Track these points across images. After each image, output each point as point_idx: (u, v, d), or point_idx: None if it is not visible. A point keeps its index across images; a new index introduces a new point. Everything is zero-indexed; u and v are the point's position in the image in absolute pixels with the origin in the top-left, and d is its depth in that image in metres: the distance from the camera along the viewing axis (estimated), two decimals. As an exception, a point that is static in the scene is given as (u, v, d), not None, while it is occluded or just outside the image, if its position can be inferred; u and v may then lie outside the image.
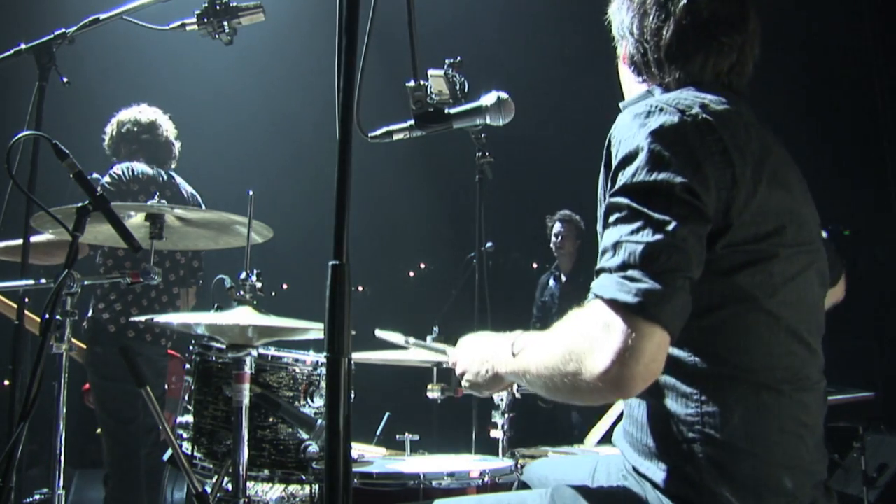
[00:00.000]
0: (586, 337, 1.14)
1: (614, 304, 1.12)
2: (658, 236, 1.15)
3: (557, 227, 5.43)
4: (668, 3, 1.42)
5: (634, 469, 1.35)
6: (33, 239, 3.05)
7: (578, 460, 1.91)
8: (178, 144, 3.66)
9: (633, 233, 1.17)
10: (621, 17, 1.50)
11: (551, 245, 5.48)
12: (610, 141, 1.31)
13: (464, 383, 1.52)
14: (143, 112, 3.60)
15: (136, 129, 3.54)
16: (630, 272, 1.13)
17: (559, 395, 1.24)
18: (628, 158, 1.23)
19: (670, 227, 1.15)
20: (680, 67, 1.43)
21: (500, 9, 5.45)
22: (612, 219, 1.21)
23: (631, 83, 1.54)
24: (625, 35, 1.49)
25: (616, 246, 1.17)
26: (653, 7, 1.43)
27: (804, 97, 5.50)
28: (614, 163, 1.26)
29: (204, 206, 3.64)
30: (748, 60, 1.47)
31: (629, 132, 1.26)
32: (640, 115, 1.27)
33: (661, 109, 1.27)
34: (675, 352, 1.28)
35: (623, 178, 1.23)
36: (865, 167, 5.59)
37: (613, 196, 1.23)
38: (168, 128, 3.63)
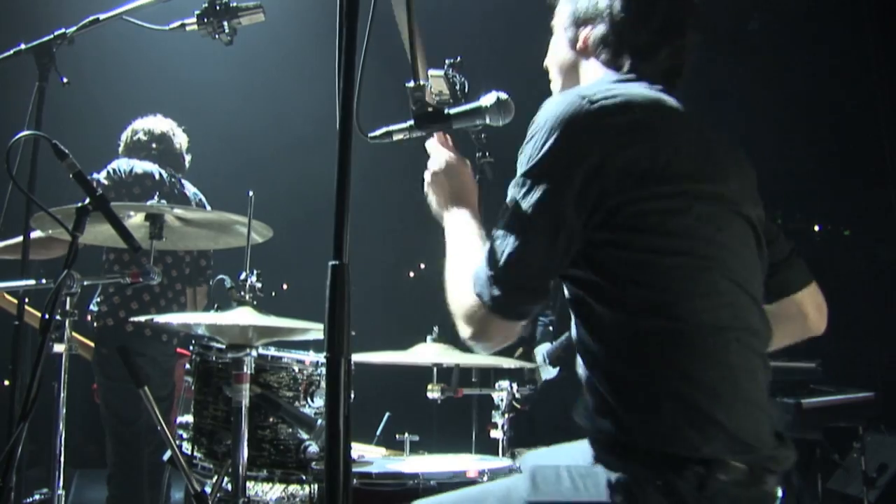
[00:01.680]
0: (463, 306, 1.41)
1: (479, 297, 1.37)
2: (521, 241, 1.34)
3: None
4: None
5: (601, 439, 1.38)
6: (31, 235, 3.07)
7: (574, 447, 1.90)
8: (189, 157, 3.69)
9: (504, 232, 1.36)
10: (606, 2, 1.52)
11: None
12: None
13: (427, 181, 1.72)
14: (159, 123, 3.64)
15: (147, 138, 3.59)
16: (495, 273, 1.35)
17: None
18: (524, 145, 1.40)
19: (535, 228, 1.34)
20: (649, 58, 1.51)
21: (501, 8, 5.45)
22: (504, 207, 1.40)
23: (584, 69, 1.58)
24: (596, 17, 1.53)
25: (492, 241, 1.38)
26: None
27: (804, 97, 5.50)
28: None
29: (209, 208, 3.65)
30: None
31: (538, 117, 1.40)
32: (545, 106, 1.41)
33: (572, 96, 1.38)
34: (624, 318, 1.34)
35: (519, 165, 1.39)
36: (865, 167, 5.59)
37: (511, 185, 1.39)
38: (181, 140, 3.68)
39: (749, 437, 1.30)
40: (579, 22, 1.57)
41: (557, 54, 1.64)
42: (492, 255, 1.37)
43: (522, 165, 1.39)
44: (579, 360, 1.45)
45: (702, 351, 1.32)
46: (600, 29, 1.52)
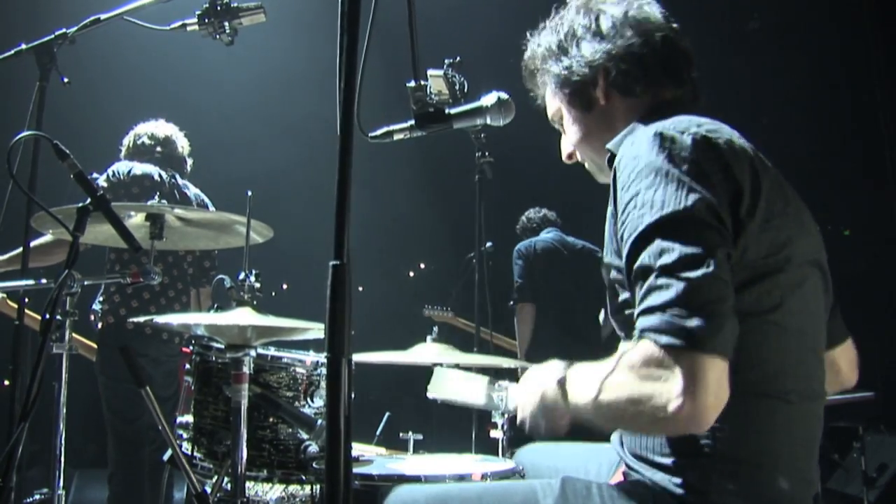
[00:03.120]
0: (650, 379, 1.15)
1: (670, 347, 1.13)
2: (697, 271, 1.15)
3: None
4: (652, 30, 1.48)
5: (639, 475, 1.36)
6: (32, 243, 3.09)
7: (569, 448, 1.90)
8: (190, 161, 3.71)
9: (668, 270, 1.16)
10: (588, 49, 1.49)
11: None
12: (616, 177, 1.31)
13: (527, 426, 1.48)
14: (160, 127, 3.67)
15: (151, 142, 3.61)
16: (678, 311, 1.13)
17: (629, 430, 1.35)
18: (640, 195, 1.23)
19: (705, 257, 1.16)
20: (675, 80, 1.49)
21: (500, 8, 5.45)
22: (642, 259, 1.20)
23: (613, 116, 1.52)
24: (605, 62, 1.48)
25: (657, 283, 1.17)
26: (641, 31, 1.47)
27: (804, 97, 5.50)
28: (622, 203, 1.26)
29: (212, 208, 3.66)
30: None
31: (633, 168, 1.26)
32: (641, 149, 1.27)
33: (661, 136, 1.27)
34: None
35: (639, 217, 1.22)
36: (865, 167, 5.59)
37: (638, 235, 1.22)
38: (183, 144, 3.70)
39: None
40: (584, 86, 1.52)
41: (579, 129, 1.57)
42: (663, 299, 1.15)
43: (652, 208, 1.21)
44: None
45: (767, 421, 1.27)
46: (616, 72, 1.47)
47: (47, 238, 3.20)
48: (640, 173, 1.25)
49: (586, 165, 1.67)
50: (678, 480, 1.28)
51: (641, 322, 1.18)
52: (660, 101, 1.49)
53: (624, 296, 1.36)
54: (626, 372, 1.18)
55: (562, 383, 1.35)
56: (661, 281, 1.16)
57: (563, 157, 1.68)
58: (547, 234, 5.08)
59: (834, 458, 4.30)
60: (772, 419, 1.28)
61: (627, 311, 1.34)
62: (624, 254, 1.25)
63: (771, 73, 5.61)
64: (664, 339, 1.13)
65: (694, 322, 1.12)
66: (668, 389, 1.11)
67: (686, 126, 1.30)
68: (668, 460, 1.31)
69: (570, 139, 1.63)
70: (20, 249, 3.12)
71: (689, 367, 1.11)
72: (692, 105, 1.50)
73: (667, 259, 1.17)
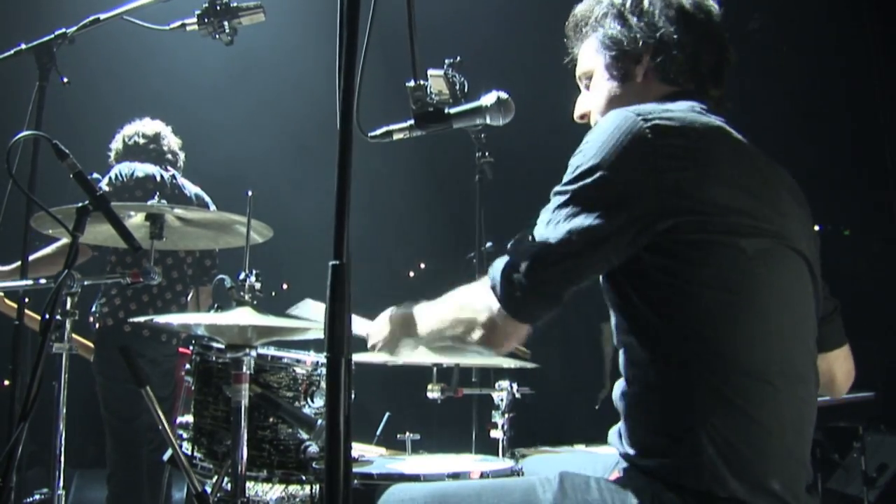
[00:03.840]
0: (473, 310, 1.41)
1: (498, 298, 1.35)
2: (554, 247, 1.31)
3: None
4: (711, 31, 1.53)
5: (635, 465, 1.37)
6: (37, 255, 3.15)
7: (575, 457, 1.93)
8: (182, 155, 3.70)
9: (537, 233, 1.33)
10: (648, 26, 1.51)
11: None
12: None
13: (370, 346, 1.72)
14: (147, 125, 3.67)
15: (142, 140, 3.61)
16: (518, 271, 1.32)
17: (448, 352, 1.60)
18: (574, 157, 1.36)
19: (569, 239, 1.30)
20: (712, 82, 1.54)
21: (500, 8, 5.45)
22: (543, 211, 1.36)
23: (629, 98, 1.53)
24: (661, 43, 1.50)
25: (519, 240, 1.36)
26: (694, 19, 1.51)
27: (804, 97, 5.50)
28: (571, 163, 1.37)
29: (213, 206, 3.66)
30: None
31: (594, 132, 1.36)
32: (606, 120, 1.36)
33: (626, 113, 1.34)
34: (672, 352, 1.32)
35: (569, 172, 1.35)
36: (865, 167, 5.58)
37: (553, 192, 1.37)
38: (172, 139, 3.69)
39: (787, 493, 1.31)
40: (629, 57, 1.53)
41: (606, 96, 1.58)
42: (517, 256, 1.34)
43: (568, 175, 1.35)
44: (622, 384, 1.44)
45: (752, 400, 1.30)
46: (663, 57, 1.50)
47: (50, 249, 3.22)
48: (587, 141, 1.36)
49: None
50: (672, 465, 1.30)
51: (496, 264, 1.37)
52: (685, 95, 1.49)
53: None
54: (462, 298, 1.48)
55: (412, 312, 1.60)
56: (527, 241, 1.34)
57: (576, 115, 1.68)
58: None
59: (834, 458, 4.30)
60: (759, 401, 1.30)
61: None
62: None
63: (771, 73, 5.61)
64: (497, 292, 1.35)
65: (519, 293, 1.33)
66: (479, 328, 1.40)
67: (651, 109, 1.36)
68: (660, 445, 1.33)
69: (593, 101, 1.62)
70: (39, 253, 3.18)
71: (501, 320, 1.37)
72: (714, 104, 1.51)
73: (542, 225, 1.34)
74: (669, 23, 1.49)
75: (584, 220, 1.30)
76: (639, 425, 1.38)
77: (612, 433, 1.50)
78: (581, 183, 1.32)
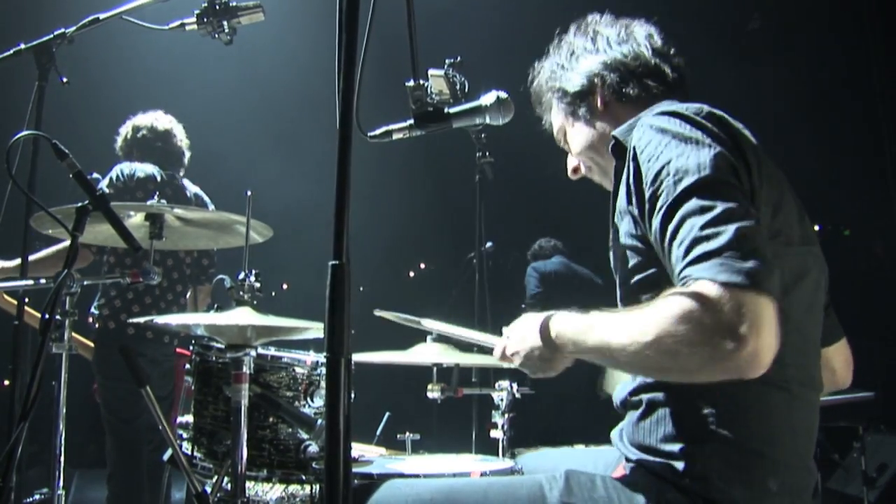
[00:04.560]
0: (708, 321, 1.11)
1: (730, 285, 1.11)
2: (743, 221, 1.16)
3: None
4: (642, 45, 1.61)
5: (642, 465, 1.37)
6: (38, 255, 3.14)
7: (574, 453, 1.93)
8: (188, 154, 3.70)
9: (714, 222, 1.17)
10: (584, 64, 1.62)
11: None
12: (636, 156, 1.34)
13: (515, 362, 1.50)
14: (160, 120, 3.65)
15: (151, 136, 3.60)
16: (731, 254, 1.13)
17: (672, 373, 1.25)
18: (671, 163, 1.26)
19: (746, 211, 1.19)
20: (666, 78, 1.59)
21: (500, 8, 5.45)
22: (680, 217, 1.21)
23: (603, 128, 1.61)
24: (598, 75, 1.60)
25: (702, 236, 1.17)
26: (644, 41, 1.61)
27: (804, 98, 5.50)
28: (652, 173, 1.28)
29: (213, 206, 3.65)
30: None
31: (660, 140, 1.31)
32: (662, 124, 1.33)
33: (677, 114, 1.33)
34: None
35: (675, 183, 1.24)
36: (865, 167, 5.59)
37: (674, 200, 1.23)
38: (182, 137, 3.69)
39: (795, 499, 1.31)
40: (584, 94, 1.62)
41: (582, 140, 1.66)
42: (712, 247, 1.15)
43: (687, 174, 1.24)
44: (628, 386, 1.44)
45: (767, 407, 1.30)
46: (612, 79, 1.59)
47: (50, 251, 3.21)
48: (668, 144, 1.29)
49: (593, 175, 1.72)
50: (682, 468, 1.30)
51: (691, 269, 1.16)
52: (654, 102, 1.55)
53: (634, 261, 1.38)
54: (680, 312, 1.13)
55: (581, 324, 1.34)
56: (709, 231, 1.16)
57: (569, 172, 1.76)
58: (556, 260, 5.85)
59: (834, 458, 4.30)
60: (773, 407, 1.30)
61: (639, 276, 1.37)
62: (658, 219, 1.25)
63: (771, 73, 5.61)
64: (723, 277, 1.11)
65: (750, 263, 1.11)
66: (732, 327, 1.09)
67: (699, 107, 1.37)
68: (670, 447, 1.32)
69: (574, 150, 1.70)
70: (39, 254, 3.18)
71: (752, 305, 1.09)
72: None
73: (710, 214, 1.18)
74: (600, 54, 1.61)
75: (727, 197, 1.21)
76: (645, 429, 1.37)
77: (615, 434, 1.49)
78: (694, 179, 1.25)
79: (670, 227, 1.22)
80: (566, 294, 5.11)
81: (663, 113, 1.35)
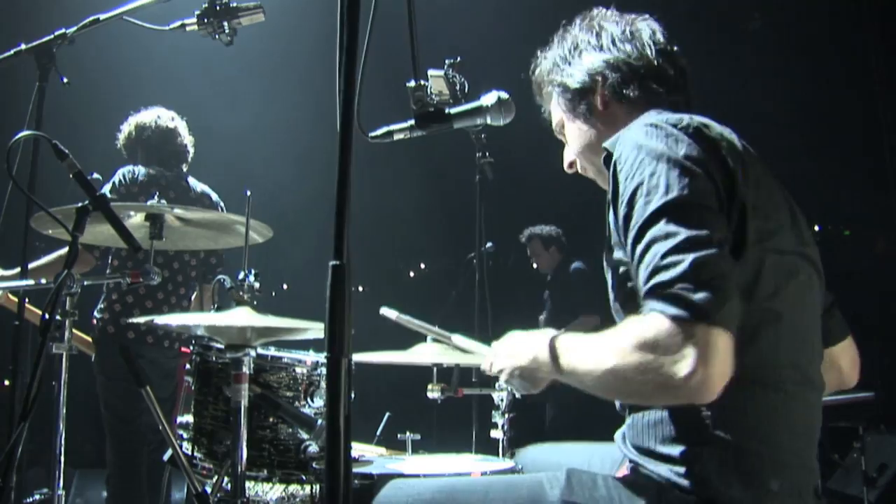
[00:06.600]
0: (661, 350, 1.17)
1: (679, 319, 1.16)
2: (702, 250, 1.19)
3: (528, 250, 5.72)
4: (646, 44, 1.58)
5: (643, 467, 1.37)
6: (39, 263, 3.15)
7: (572, 447, 1.93)
8: (192, 150, 3.70)
9: (675, 250, 1.20)
10: (587, 60, 1.59)
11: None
12: (616, 170, 1.34)
13: (501, 379, 1.55)
14: (163, 117, 3.62)
15: (156, 135, 3.58)
16: (686, 285, 1.17)
17: (630, 399, 1.34)
18: (644, 184, 1.27)
19: (710, 238, 1.20)
20: (667, 81, 1.56)
21: (500, 8, 5.45)
22: (647, 241, 1.24)
23: (601, 128, 1.59)
24: (600, 73, 1.58)
25: (663, 263, 1.20)
26: (649, 42, 1.58)
27: (804, 98, 5.50)
28: (627, 193, 1.29)
29: (222, 204, 3.64)
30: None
31: (635, 158, 1.31)
32: (640, 140, 1.32)
33: (657, 126, 1.33)
34: None
35: (645, 204, 1.26)
36: (865, 167, 5.59)
37: (645, 220, 1.25)
38: (185, 134, 3.67)
39: (797, 500, 1.31)
40: (585, 92, 1.60)
41: (580, 137, 1.65)
42: (671, 276, 1.18)
43: (656, 195, 1.25)
44: None
45: (765, 408, 1.30)
46: (613, 78, 1.56)
47: (51, 257, 3.21)
48: (642, 162, 1.29)
49: (588, 173, 1.71)
50: (681, 470, 1.30)
51: (647, 300, 1.21)
52: (655, 106, 1.54)
53: (622, 270, 1.40)
54: (634, 342, 1.20)
55: (557, 348, 1.38)
56: (668, 260, 1.19)
57: (565, 166, 1.75)
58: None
59: (834, 458, 4.30)
60: (770, 408, 1.31)
61: (628, 286, 1.38)
62: (629, 239, 1.28)
63: (771, 73, 5.61)
64: (672, 311, 1.16)
65: (700, 295, 1.15)
66: (679, 358, 1.14)
67: (679, 118, 1.36)
68: (670, 450, 1.32)
69: (571, 147, 1.69)
70: (53, 256, 3.18)
71: (700, 337, 1.14)
72: (685, 109, 1.54)
73: (673, 241, 1.21)
74: (603, 51, 1.58)
75: (697, 222, 1.23)
76: (644, 432, 1.37)
77: (618, 436, 1.50)
78: (663, 202, 1.26)
79: (638, 250, 1.25)
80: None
81: (645, 125, 1.35)
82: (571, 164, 1.73)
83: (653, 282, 1.20)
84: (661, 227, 1.22)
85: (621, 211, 1.31)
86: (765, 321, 1.31)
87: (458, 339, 1.97)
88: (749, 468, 1.27)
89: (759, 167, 1.41)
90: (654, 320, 1.18)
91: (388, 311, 2.03)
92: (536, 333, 1.49)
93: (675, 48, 1.61)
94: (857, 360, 1.66)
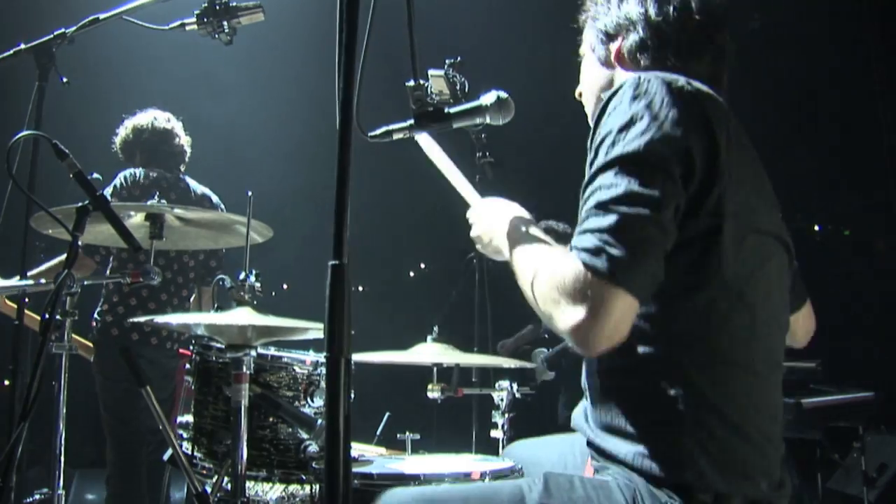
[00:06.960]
0: (565, 290, 1.22)
1: (589, 268, 1.19)
2: (635, 208, 1.21)
3: None
4: (690, 13, 1.51)
5: (609, 454, 1.37)
6: (39, 269, 3.17)
7: (547, 440, 1.96)
8: (189, 151, 3.70)
9: (611, 201, 1.22)
10: (625, 8, 1.54)
11: None
12: (598, 122, 1.35)
13: (476, 243, 1.67)
14: (159, 119, 3.62)
15: (154, 138, 3.58)
16: (607, 237, 1.19)
17: (537, 311, 1.35)
18: (611, 135, 1.29)
19: (648, 199, 1.21)
20: (693, 57, 1.50)
21: (500, 8, 5.45)
22: (593, 187, 1.27)
23: (609, 79, 1.59)
24: (628, 26, 1.53)
25: (598, 210, 1.23)
26: None
27: (804, 97, 5.50)
28: (597, 141, 1.32)
29: (223, 205, 3.65)
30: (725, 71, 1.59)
31: (614, 108, 1.32)
32: (631, 93, 1.32)
33: (649, 81, 1.32)
34: (654, 335, 1.32)
35: (605, 154, 1.28)
36: (865, 167, 5.58)
37: (597, 169, 1.28)
38: (182, 135, 3.67)
39: (764, 477, 1.32)
40: (610, 36, 1.58)
41: (590, 76, 1.65)
42: (598, 224, 1.21)
43: (618, 146, 1.27)
44: (591, 370, 1.44)
45: (732, 388, 1.31)
46: (634, 36, 1.52)
47: (51, 263, 3.22)
48: (616, 112, 1.31)
49: (587, 110, 1.71)
50: (649, 450, 1.30)
51: (576, 239, 1.25)
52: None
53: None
54: (551, 273, 1.26)
55: (513, 237, 1.48)
56: (601, 210, 1.23)
57: (577, 92, 1.75)
58: None
59: (834, 458, 4.30)
60: (741, 388, 1.32)
61: None
62: (586, 179, 1.31)
63: (771, 73, 5.61)
64: (586, 258, 1.20)
65: (615, 251, 1.18)
66: (574, 306, 1.19)
67: (675, 79, 1.35)
68: (637, 430, 1.33)
69: (582, 82, 1.70)
70: (53, 262, 3.19)
71: (599, 293, 1.17)
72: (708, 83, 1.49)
73: (612, 192, 1.23)
74: (642, 5, 1.53)
75: (651, 174, 1.25)
76: (612, 410, 1.38)
77: (577, 414, 1.49)
78: (634, 148, 1.27)
79: (587, 192, 1.28)
80: None
81: (643, 79, 1.34)
82: (580, 94, 1.74)
83: (585, 224, 1.24)
84: (608, 176, 1.25)
85: (589, 156, 1.34)
86: (738, 305, 1.32)
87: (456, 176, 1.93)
88: (719, 447, 1.28)
89: (746, 144, 1.42)
90: (571, 262, 1.22)
91: (423, 139, 1.74)
92: (513, 209, 1.58)
93: (719, 23, 1.55)
94: (813, 327, 1.69)
